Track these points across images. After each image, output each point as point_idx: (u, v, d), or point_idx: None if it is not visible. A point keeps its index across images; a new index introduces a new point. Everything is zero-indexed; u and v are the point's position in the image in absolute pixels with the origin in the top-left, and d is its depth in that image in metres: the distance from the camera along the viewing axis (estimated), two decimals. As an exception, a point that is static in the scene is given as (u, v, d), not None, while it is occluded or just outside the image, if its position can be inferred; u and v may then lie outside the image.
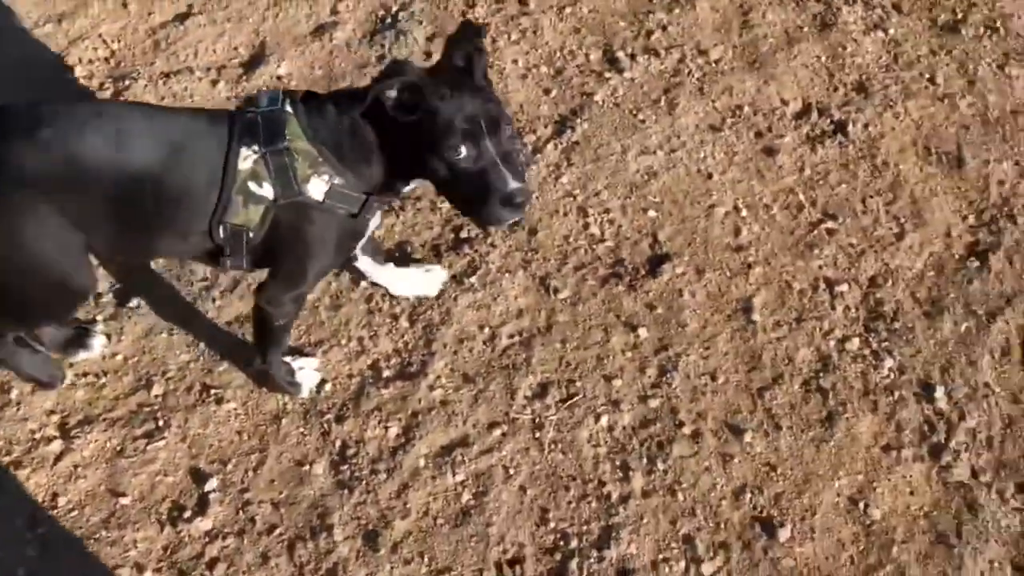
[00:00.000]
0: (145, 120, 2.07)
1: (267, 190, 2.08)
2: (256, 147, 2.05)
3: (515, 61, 3.42)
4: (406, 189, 2.27)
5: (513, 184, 2.04)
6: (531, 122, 3.25)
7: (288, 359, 2.54)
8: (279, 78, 3.28)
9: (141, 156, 2.02)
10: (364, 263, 2.67)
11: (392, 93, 2.03)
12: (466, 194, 2.09)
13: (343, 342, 2.67)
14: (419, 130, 2.04)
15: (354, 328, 2.70)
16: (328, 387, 2.59)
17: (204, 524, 2.36)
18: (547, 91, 3.34)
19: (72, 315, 2.39)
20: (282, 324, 2.35)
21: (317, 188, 2.09)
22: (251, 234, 2.11)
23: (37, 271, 2.06)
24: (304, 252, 2.21)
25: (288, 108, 2.10)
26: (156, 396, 2.55)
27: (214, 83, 3.24)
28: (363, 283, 2.80)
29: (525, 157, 2.09)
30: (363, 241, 2.35)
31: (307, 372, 2.56)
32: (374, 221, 2.31)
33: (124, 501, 2.39)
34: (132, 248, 2.24)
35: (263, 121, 2.06)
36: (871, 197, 3.16)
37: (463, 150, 2.04)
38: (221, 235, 2.11)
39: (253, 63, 3.32)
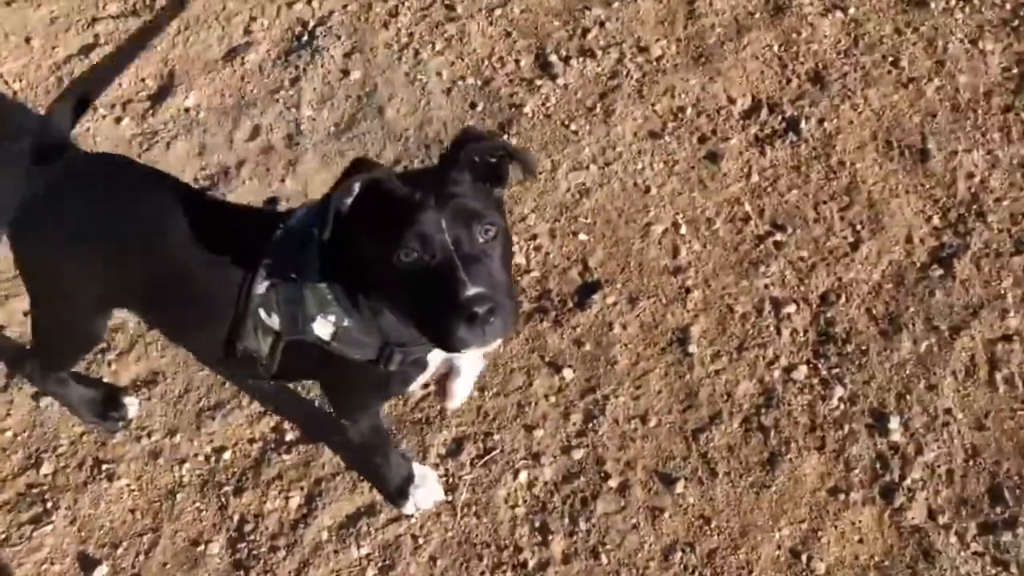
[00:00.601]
0: (195, 206, 1.91)
1: (274, 322, 1.82)
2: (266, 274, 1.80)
3: (439, 74, 3.19)
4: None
5: (470, 290, 1.53)
6: (454, 142, 3.02)
7: (415, 468, 2.32)
8: (187, 110, 3.08)
9: (182, 245, 1.85)
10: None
11: (348, 200, 1.62)
12: (418, 310, 1.63)
13: (244, 403, 2.50)
14: (372, 229, 1.62)
15: (256, 387, 2.53)
16: (228, 455, 2.43)
17: (93, 616, 2.22)
18: (473, 105, 3.12)
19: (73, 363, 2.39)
20: (369, 443, 2.18)
21: (324, 329, 1.78)
22: (264, 361, 1.90)
23: (66, 315, 2.11)
24: (337, 389, 2.04)
25: (315, 232, 1.71)
26: (45, 475, 2.40)
27: (118, 120, 3.06)
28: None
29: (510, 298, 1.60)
30: (420, 382, 2.00)
31: (425, 489, 2.32)
32: (430, 371, 1.94)
33: (11, 593, 2.26)
34: (164, 331, 2.19)
35: (284, 242, 1.79)
36: (824, 203, 2.90)
37: (410, 244, 1.57)
38: (237, 353, 1.91)
39: (160, 95, 3.13)
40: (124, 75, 3.17)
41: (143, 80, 3.17)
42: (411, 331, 1.72)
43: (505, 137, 3.02)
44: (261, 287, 1.80)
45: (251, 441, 2.45)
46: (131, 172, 2.04)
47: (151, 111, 3.09)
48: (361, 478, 2.38)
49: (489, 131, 1.78)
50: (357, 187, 1.60)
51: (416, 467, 2.29)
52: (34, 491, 2.38)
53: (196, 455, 2.43)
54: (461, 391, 2.37)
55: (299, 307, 1.77)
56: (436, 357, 1.89)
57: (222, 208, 2.07)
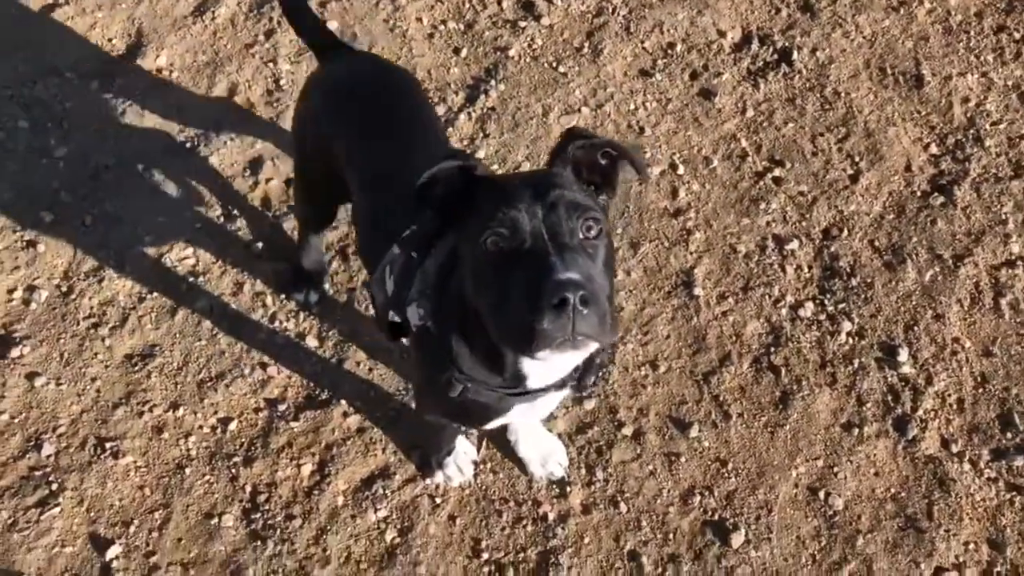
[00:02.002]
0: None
1: (389, 285, 1.76)
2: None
3: (419, 19, 3.08)
4: (525, 367, 1.57)
5: (562, 274, 1.29)
6: (440, 90, 2.93)
7: (458, 443, 2.24)
8: (159, 70, 2.95)
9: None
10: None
11: (426, 179, 1.46)
12: (501, 300, 1.37)
13: (246, 372, 2.44)
14: (465, 214, 1.46)
15: (256, 354, 2.46)
16: (234, 425, 2.37)
17: (111, 595, 2.18)
18: (457, 50, 3.02)
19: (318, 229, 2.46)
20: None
21: (413, 315, 1.68)
22: (379, 311, 1.84)
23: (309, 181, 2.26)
24: (417, 381, 1.96)
25: None
26: (47, 456, 2.33)
27: (88, 84, 2.92)
28: (267, 302, 2.55)
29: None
30: (502, 421, 1.81)
31: (459, 466, 2.26)
32: (521, 410, 1.72)
33: (23, 578, 2.21)
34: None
35: (428, 215, 1.60)
36: (821, 135, 2.86)
37: (500, 227, 1.37)
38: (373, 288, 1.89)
39: (130, 55, 2.99)
40: (89, 36, 3.02)
41: (110, 40, 3.03)
42: (483, 366, 1.60)
43: (492, 83, 2.93)
44: (395, 248, 1.74)
45: (256, 410, 2.40)
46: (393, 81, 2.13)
47: (121, 73, 2.95)
48: (372, 440, 2.34)
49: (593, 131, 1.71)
50: (440, 169, 1.46)
51: (460, 442, 2.23)
52: (37, 474, 2.31)
53: (201, 427, 2.37)
54: (529, 455, 2.26)
55: (407, 284, 1.69)
56: (513, 410, 1.70)
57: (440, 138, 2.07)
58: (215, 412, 2.39)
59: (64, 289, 2.56)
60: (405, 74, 2.23)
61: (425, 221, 1.60)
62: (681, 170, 2.78)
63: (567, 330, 1.28)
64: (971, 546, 2.23)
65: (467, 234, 1.44)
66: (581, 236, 1.37)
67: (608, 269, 1.41)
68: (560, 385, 1.65)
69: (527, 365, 1.56)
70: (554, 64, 2.98)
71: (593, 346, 1.36)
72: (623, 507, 2.27)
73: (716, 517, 2.26)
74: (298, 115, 2.21)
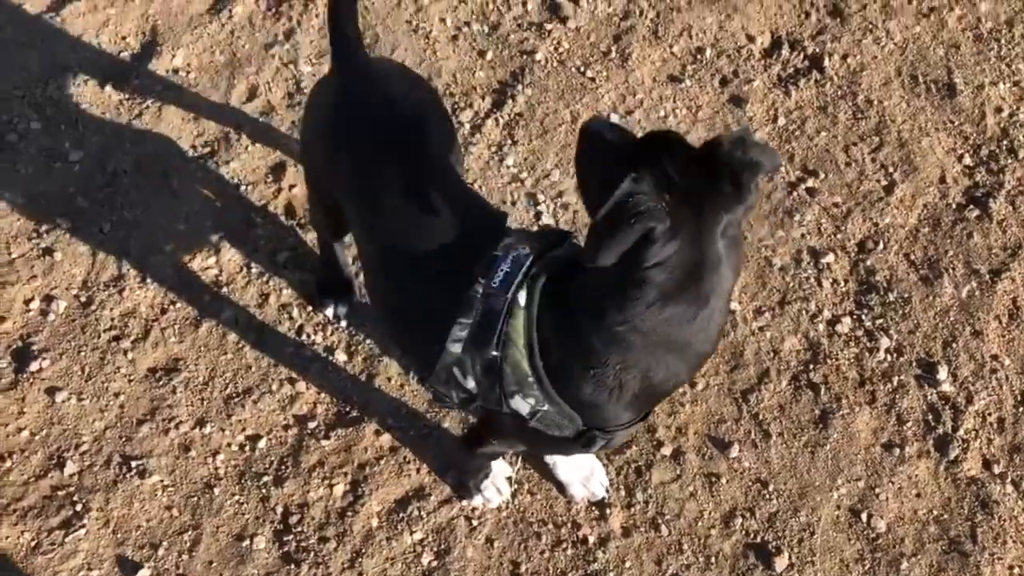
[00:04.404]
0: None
1: (470, 384, 1.66)
2: (464, 335, 1.62)
3: (443, 20, 3.00)
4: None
5: None
6: (466, 94, 2.86)
7: (494, 464, 2.18)
8: (175, 71, 2.86)
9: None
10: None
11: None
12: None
13: (274, 388, 2.37)
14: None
15: (284, 368, 2.40)
16: (263, 443, 2.31)
17: (140, 621, 2.12)
18: (482, 53, 2.94)
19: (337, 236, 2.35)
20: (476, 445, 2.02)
21: (522, 407, 1.63)
22: (455, 406, 1.78)
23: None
24: (498, 426, 1.83)
25: (522, 295, 1.57)
26: (71, 476, 2.26)
27: (102, 84, 2.83)
28: (293, 314, 2.48)
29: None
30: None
31: (497, 486, 2.21)
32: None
33: (48, 601, 2.14)
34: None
35: (482, 306, 1.59)
36: (854, 144, 2.81)
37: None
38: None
39: (145, 55, 2.89)
40: (101, 34, 2.93)
41: (124, 39, 2.93)
42: (613, 410, 1.59)
43: (519, 88, 2.87)
44: (456, 347, 1.63)
45: (286, 427, 2.33)
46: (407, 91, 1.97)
47: (136, 73, 2.86)
48: (406, 460, 2.29)
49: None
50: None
51: (495, 463, 2.18)
52: (60, 494, 2.24)
53: (229, 445, 2.31)
54: (569, 477, 2.22)
55: (497, 381, 1.61)
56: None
57: (456, 188, 1.85)
58: (243, 429, 2.33)
59: (83, 300, 2.48)
60: (428, 93, 2.05)
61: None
62: (714, 180, 2.73)
63: None
64: (1016, 570, 2.21)
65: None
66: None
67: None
68: None
69: None
70: (581, 69, 2.92)
71: None
72: (664, 530, 2.23)
73: (759, 540, 2.23)
74: (305, 122, 2.10)
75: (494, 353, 1.59)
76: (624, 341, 1.48)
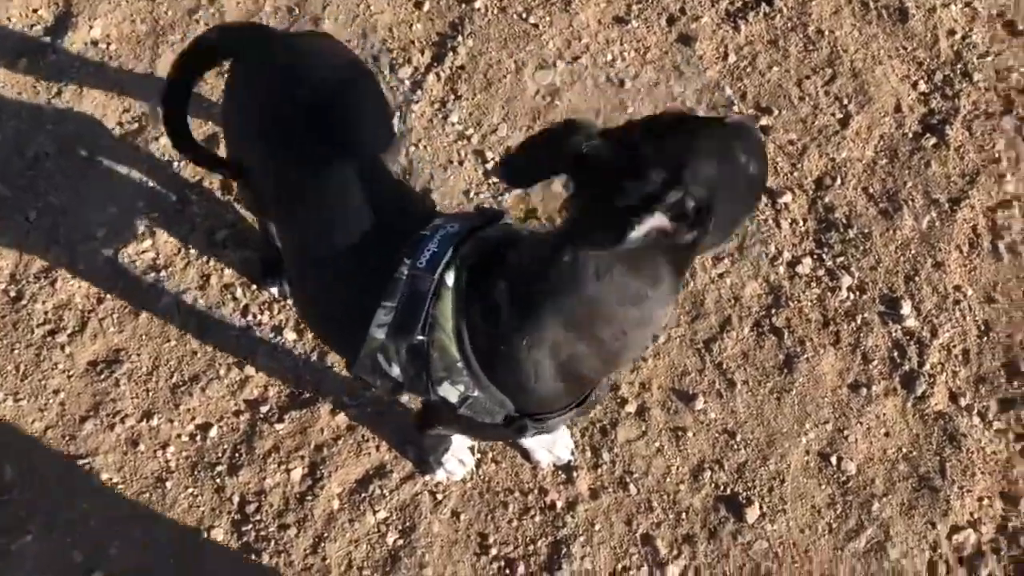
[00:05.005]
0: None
1: (395, 372, 1.57)
2: (389, 319, 1.53)
3: (374, -28, 2.85)
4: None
5: None
6: (404, 49, 2.73)
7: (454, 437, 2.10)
8: (94, 43, 2.70)
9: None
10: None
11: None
12: None
13: (222, 372, 2.28)
14: None
15: (232, 352, 2.30)
16: (214, 432, 2.22)
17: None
18: (419, 4, 2.81)
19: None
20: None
21: (451, 393, 1.55)
22: (383, 395, 1.72)
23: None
24: (434, 413, 1.76)
25: (449, 276, 1.49)
26: (11, 480, 2.16)
27: (15, 62, 2.67)
28: (237, 294, 2.37)
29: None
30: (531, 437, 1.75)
31: (459, 457, 2.15)
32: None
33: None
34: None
35: (408, 288, 1.51)
36: (807, 78, 2.73)
37: None
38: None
39: (59, 28, 2.73)
40: (9, 7, 2.75)
41: (35, 11, 2.76)
42: (543, 395, 1.53)
43: (459, 39, 2.74)
44: (379, 333, 1.53)
45: (237, 413, 2.25)
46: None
47: (52, 49, 2.70)
48: (364, 438, 2.21)
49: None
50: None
51: (456, 436, 2.11)
52: (2, 499, 2.15)
53: (179, 436, 2.22)
54: (533, 444, 2.16)
55: (424, 367, 1.53)
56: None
57: (382, 177, 1.72)
58: (192, 419, 2.24)
59: (12, 294, 2.36)
60: (355, 72, 1.89)
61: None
62: (665, 124, 2.63)
63: None
64: (984, 502, 2.19)
65: None
66: None
67: None
68: None
69: None
70: (523, 15, 2.80)
71: None
72: (632, 489, 2.18)
73: (728, 492, 2.19)
74: (224, 101, 1.94)
75: (420, 337, 1.50)
76: (551, 324, 1.42)
